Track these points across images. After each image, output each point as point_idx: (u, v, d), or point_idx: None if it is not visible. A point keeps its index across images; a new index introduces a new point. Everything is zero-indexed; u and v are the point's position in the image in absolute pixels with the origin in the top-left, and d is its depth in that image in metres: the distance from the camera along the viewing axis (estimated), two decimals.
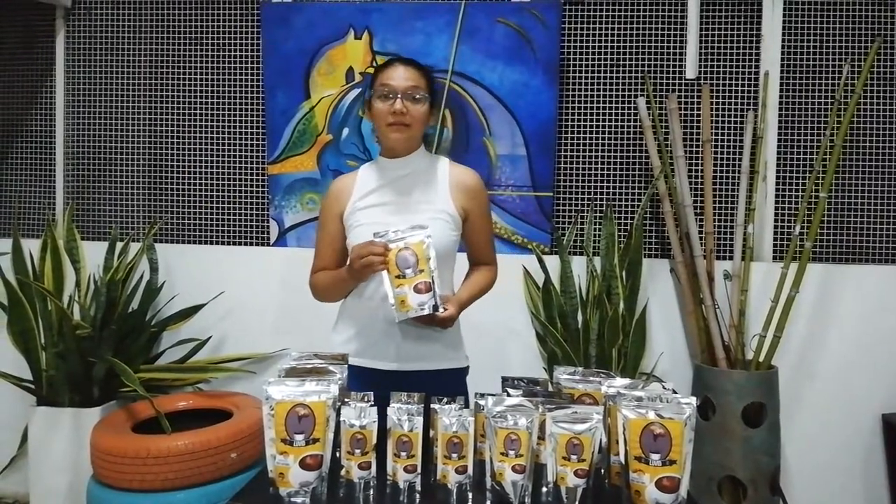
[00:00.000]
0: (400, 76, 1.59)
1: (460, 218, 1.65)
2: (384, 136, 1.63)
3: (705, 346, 2.55)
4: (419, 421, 1.27)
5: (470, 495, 1.27)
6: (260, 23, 2.84)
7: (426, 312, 1.44)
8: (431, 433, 1.33)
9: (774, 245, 2.73)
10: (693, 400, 1.18)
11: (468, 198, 1.67)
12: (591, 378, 1.42)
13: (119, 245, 2.79)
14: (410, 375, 1.61)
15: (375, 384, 1.53)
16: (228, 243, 2.95)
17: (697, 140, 2.72)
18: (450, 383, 1.62)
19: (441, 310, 1.46)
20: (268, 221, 2.90)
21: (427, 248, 1.44)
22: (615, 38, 2.76)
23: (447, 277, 1.65)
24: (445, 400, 1.35)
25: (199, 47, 2.94)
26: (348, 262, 1.54)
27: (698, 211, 2.63)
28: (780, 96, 2.71)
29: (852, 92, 2.54)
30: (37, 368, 2.62)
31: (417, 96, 1.59)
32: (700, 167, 2.68)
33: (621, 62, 2.76)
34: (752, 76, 2.72)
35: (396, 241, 1.44)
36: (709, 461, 2.39)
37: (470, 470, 1.27)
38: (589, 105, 2.78)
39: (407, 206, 1.62)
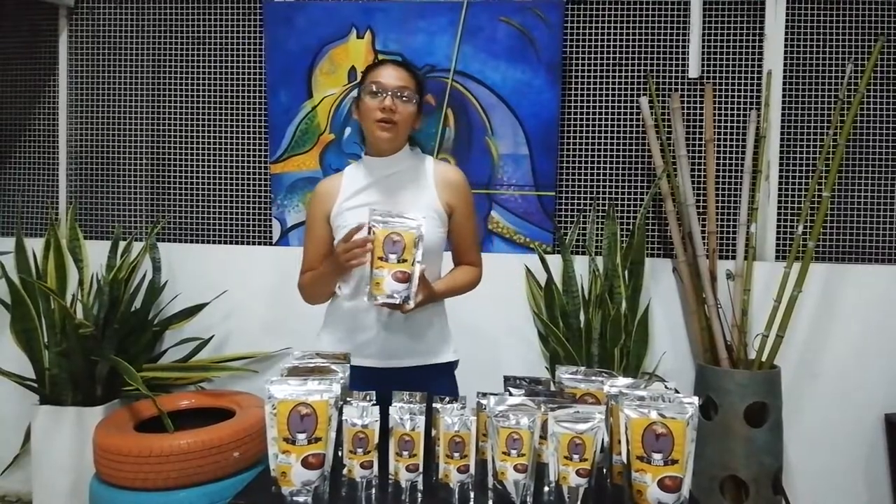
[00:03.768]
0: (391, 75, 1.61)
1: (447, 215, 1.67)
2: (371, 134, 1.63)
3: (708, 345, 2.55)
4: (421, 420, 1.28)
5: (472, 494, 1.27)
6: (263, 22, 2.84)
7: (396, 302, 1.44)
8: (433, 432, 1.33)
9: (777, 244, 2.73)
10: (695, 399, 1.17)
11: (453, 195, 1.68)
12: (594, 377, 1.42)
13: (122, 244, 2.79)
14: (400, 372, 1.63)
15: (366, 382, 1.54)
16: (231, 242, 2.95)
17: (700, 139, 2.71)
18: (437, 377, 1.66)
19: (410, 305, 1.46)
20: (270, 221, 2.91)
21: (416, 240, 1.43)
22: (618, 36, 2.76)
23: (434, 273, 1.66)
24: (447, 399, 1.35)
25: (201, 46, 2.94)
26: (333, 255, 1.54)
27: (701, 210, 2.63)
28: (783, 95, 2.71)
29: (855, 90, 2.54)
30: (40, 367, 2.62)
31: (406, 96, 1.60)
32: (703, 166, 2.68)
33: (624, 61, 2.76)
34: (755, 75, 2.71)
35: (389, 223, 1.44)
36: (711, 461, 2.38)
37: (472, 469, 1.28)
38: (591, 104, 2.78)
39: (395, 205, 1.62)
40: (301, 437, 1.18)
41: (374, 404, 1.30)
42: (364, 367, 1.62)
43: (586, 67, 2.77)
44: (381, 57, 2.74)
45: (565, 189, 2.80)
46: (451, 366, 1.73)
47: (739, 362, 2.51)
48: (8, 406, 2.89)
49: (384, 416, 1.29)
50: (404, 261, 1.42)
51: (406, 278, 1.42)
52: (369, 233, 1.44)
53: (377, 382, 1.55)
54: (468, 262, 1.75)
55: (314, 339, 1.75)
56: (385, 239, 1.42)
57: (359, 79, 1.71)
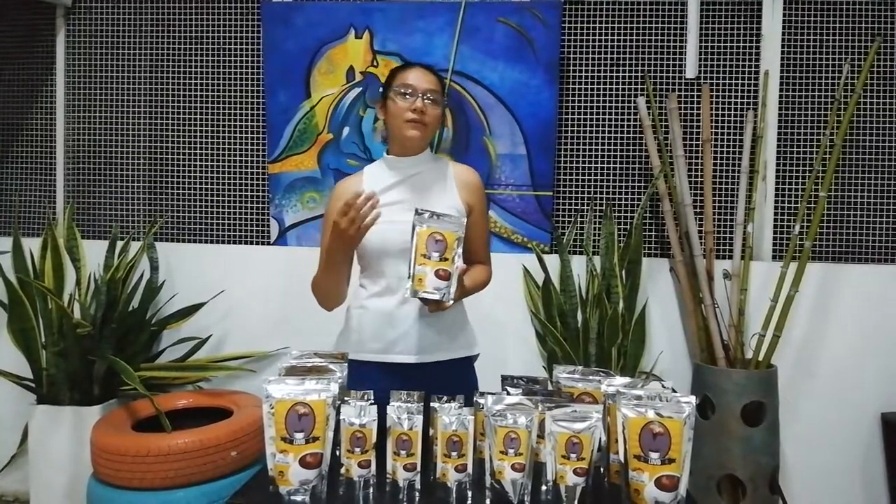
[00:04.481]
0: (420, 78, 1.65)
1: (467, 214, 1.69)
2: (400, 134, 1.65)
3: (705, 345, 2.55)
4: (419, 419, 1.28)
5: (469, 494, 1.27)
6: (260, 22, 2.84)
7: (437, 298, 1.47)
8: (431, 432, 1.33)
9: (774, 244, 2.73)
10: (692, 399, 1.18)
11: (471, 195, 1.73)
12: (591, 377, 1.42)
13: (119, 244, 2.79)
14: (433, 366, 1.65)
15: (395, 378, 1.58)
16: (229, 242, 2.95)
17: (697, 139, 2.72)
18: (462, 370, 1.71)
19: (450, 303, 1.49)
20: (268, 220, 2.91)
21: (457, 240, 1.47)
22: (615, 37, 2.76)
23: None
24: (445, 398, 1.35)
25: (199, 46, 2.94)
26: (334, 231, 1.49)
27: (698, 210, 2.63)
28: (780, 95, 2.71)
29: (852, 91, 2.54)
30: (37, 367, 2.62)
31: (434, 98, 1.64)
32: (700, 166, 2.69)
33: (621, 61, 2.76)
34: (752, 75, 2.72)
35: (434, 222, 1.47)
36: (708, 460, 2.39)
37: (469, 468, 1.28)
38: (589, 104, 2.78)
39: (422, 204, 1.63)
40: (299, 436, 1.18)
41: (371, 404, 1.30)
42: (396, 364, 1.63)
43: (584, 68, 2.78)
44: (379, 58, 2.75)
45: (563, 189, 2.80)
46: (474, 359, 1.77)
47: (736, 362, 2.51)
48: (5, 406, 2.89)
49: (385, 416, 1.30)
50: (445, 259, 1.46)
51: (447, 276, 1.46)
52: (412, 232, 1.46)
53: (409, 377, 1.58)
54: (479, 260, 1.77)
55: (327, 334, 1.75)
56: (428, 238, 1.45)
57: (370, 78, 1.71)
